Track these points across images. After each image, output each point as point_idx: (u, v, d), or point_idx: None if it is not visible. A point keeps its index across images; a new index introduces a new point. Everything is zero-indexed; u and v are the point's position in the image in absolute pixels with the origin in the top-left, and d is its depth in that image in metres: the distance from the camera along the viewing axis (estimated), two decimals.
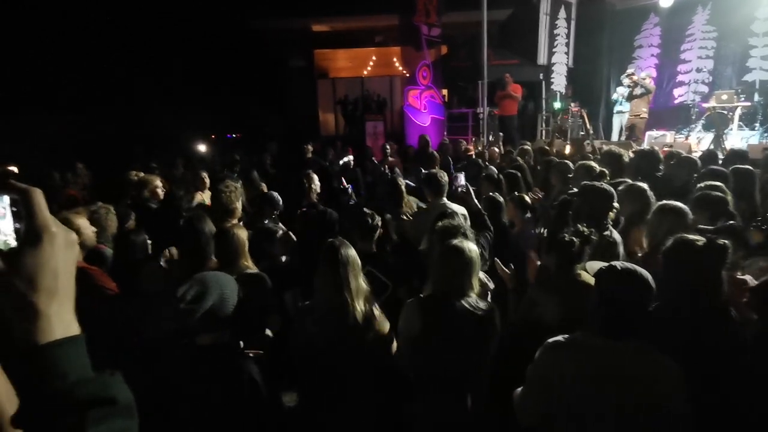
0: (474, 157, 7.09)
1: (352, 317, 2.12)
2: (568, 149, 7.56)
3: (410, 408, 2.20)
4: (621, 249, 2.77)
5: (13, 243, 0.61)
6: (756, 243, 2.65)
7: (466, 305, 2.08)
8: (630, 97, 9.71)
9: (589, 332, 1.69)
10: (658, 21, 11.70)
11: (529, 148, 6.82)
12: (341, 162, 7.09)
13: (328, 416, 2.21)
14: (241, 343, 1.84)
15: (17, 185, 0.62)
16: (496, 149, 7.79)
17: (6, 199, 0.61)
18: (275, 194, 3.88)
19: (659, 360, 1.60)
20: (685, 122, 10.48)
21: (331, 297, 2.14)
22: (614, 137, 10.36)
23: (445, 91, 12.74)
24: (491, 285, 2.48)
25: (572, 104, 10.93)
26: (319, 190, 4.25)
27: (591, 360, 1.63)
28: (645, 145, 7.66)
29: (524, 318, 2.41)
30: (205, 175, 4.62)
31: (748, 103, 9.07)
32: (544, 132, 11.68)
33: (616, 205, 2.89)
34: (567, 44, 12.36)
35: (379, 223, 2.91)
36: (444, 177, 3.65)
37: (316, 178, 4.24)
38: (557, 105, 11.28)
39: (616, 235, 2.80)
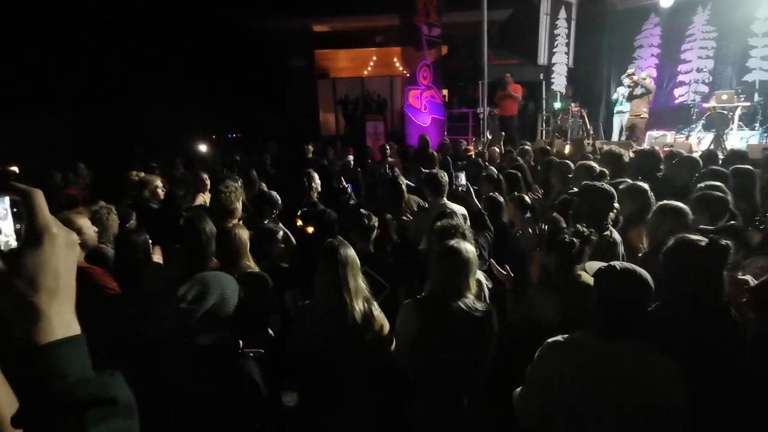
0: (474, 157, 7.09)
1: (351, 317, 2.12)
2: (568, 149, 7.55)
3: (409, 408, 2.21)
4: (621, 249, 2.77)
5: (14, 243, 0.61)
6: (756, 243, 2.65)
7: (463, 306, 2.09)
8: (630, 97, 9.71)
9: (588, 332, 1.69)
10: (659, 21, 11.70)
11: (530, 148, 6.82)
12: (341, 162, 7.09)
13: (327, 416, 2.21)
14: (241, 342, 1.84)
15: (18, 186, 0.63)
16: (497, 149, 7.79)
17: (6, 200, 0.61)
18: (274, 194, 3.88)
19: (659, 360, 1.60)
20: (685, 122, 10.49)
21: (331, 297, 2.14)
22: (614, 137, 10.36)
23: (445, 91, 12.75)
24: (489, 285, 2.48)
25: (572, 104, 10.93)
26: (319, 189, 4.25)
27: (591, 360, 1.63)
28: (645, 145, 7.66)
29: (524, 318, 2.41)
30: (205, 176, 4.61)
31: (748, 103, 9.07)
32: (544, 132, 11.68)
33: (616, 205, 2.89)
34: (567, 44, 12.36)
35: (376, 224, 2.92)
36: (444, 177, 3.65)
37: (316, 176, 4.24)
38: (557, 105, 11.28)
39: (617, 236, 2.80)
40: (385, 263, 2.85)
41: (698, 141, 9.05)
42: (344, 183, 5.29)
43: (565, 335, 1.72)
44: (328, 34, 15.20)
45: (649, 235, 2.68)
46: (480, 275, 2.57)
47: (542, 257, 2.56)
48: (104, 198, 4.07)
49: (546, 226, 2.78)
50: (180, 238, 2.81)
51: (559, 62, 12.36)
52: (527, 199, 3.86)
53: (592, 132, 10.25)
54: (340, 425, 2.21)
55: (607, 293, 1.67)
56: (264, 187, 4.84)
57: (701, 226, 2.54)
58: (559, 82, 12.33)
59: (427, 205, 3.76)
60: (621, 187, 3.11)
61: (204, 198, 4.53)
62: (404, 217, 3.67)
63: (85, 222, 2.79)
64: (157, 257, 2.85)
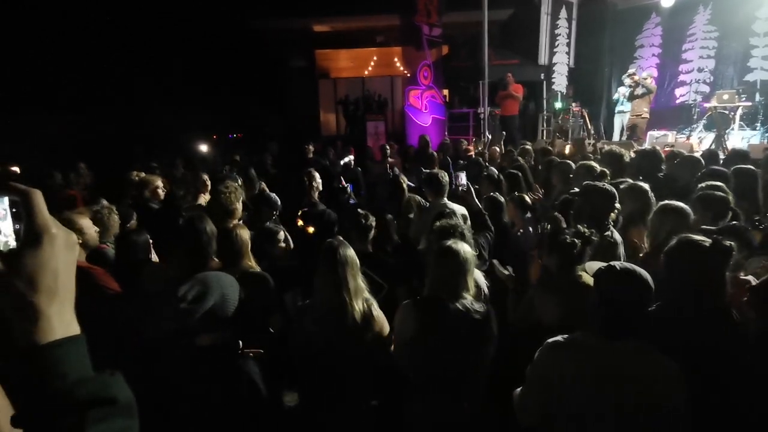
0: (474, 156, 7.09)
1: (351, 317, 2.12)
2: (568, 149, 7.55)
3: (409, 408, 2.21)
4: (622, 249, 2.77)
5: (13, 244, 0.61)
6: (757, 243, 2.64)
7: (461, 306, 2.08)
8: (631, 97, 9.70)
9: (588, 332, 1.69)
10: (660, 21, 11.70)
11: (530, 147, 6.82)
12: (342, 162, 7.09)
13: (327, 416, 2.21)
14: (241, 343, 1.84)
15: (17, 186, 0.63)
16: (497, 149, 7.79)
17: (6, 200, 0.61)
18: (273, 196, 3.89)
19: (659, 360, 1.60)
20: (686, 122, 10.48)
21: (331, 297, 2.14)
22: (615, 137, 10.36)
23: (446, 91, 12.75)
24: (487, 285, 2.47)
25: (573, 104, 10.92)
26: (321, 188, 4.25)
27: (591, 360, 1.63)
28: (646, 145, 7.66)
29: (524, 318, 2.41)
30: (206, 177, 4.62)
31: (749, 103, 9.06)
32: (545, 132, 11.68)
33: (617, 205, 2.88)
34: (568, 44, 12.36)
35: (374, 223, 2.92)
36: (445, 177, 3.65)
37: (317, 176, 4.25)
38: (558, 105, 11.28)
39: (617, 236, 2.80)
40: (383, 263, 2.85)
41: (699, 141, 9.04)
42: (344, 183, 5.29)
43: (565, 335, 1.72)
44: (329, 34, 15.20)
45: (650, 235, 2.68)
46: (479, 275, 2.57)
47: (543, 258, 2.56)
48: (104, 198, 4.07)
49: (548, 226, 2.78)
50: (180, 238, 2.81)
51: (560, 62, 12.36)
52: (528, 199, 3.86)
53: (593, 132, 10.24)
54: (340, 425, 2.21)
55: (607, 293, 1.67)
56: (264, 186, 4.84)
57: (703, 227, 2.53)
58: (560, 82, 12.33)
59: (428, 205, 3.76)
60: (621, 187, 3.10)
61: (205, 198, 4.53)
62: (410, 216, 3.67)
63: (86, 222, 2.79)
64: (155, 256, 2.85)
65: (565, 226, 2.76)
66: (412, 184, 4.92)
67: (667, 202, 2.68)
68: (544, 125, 11.82)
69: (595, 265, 1.91)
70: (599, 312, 1.68)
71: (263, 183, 4.98)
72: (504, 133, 10.33)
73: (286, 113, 14.55)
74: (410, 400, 2.20)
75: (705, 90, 10.78)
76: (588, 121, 10.34)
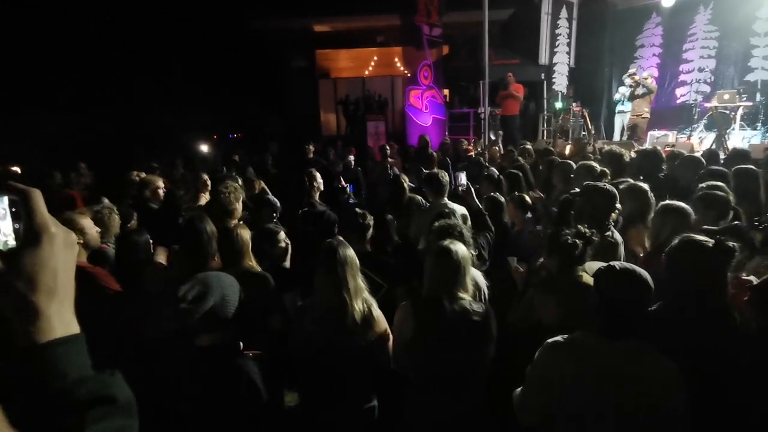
0: (474, 156, 7.09)
1: (351, 317, 2.12)
2: (569, 149, 7.55)
3: (409, 408, 2.20)
4: (622, 250, 2.76)
5: (13, 243, 0.61)
6: (759, 243, 2.64)
7: (458, 307, 2.08)
8: (632, 97, 9.70)
9: (588, 332, 1.69)
10: (660, 20, 11.69)
11: (530, 147, 6.82)
12: (342, 162, 7.10)
13: (327, 416, 2.21)
14: (241, 343, 1.84)
15: (16, 186, 0.63)
16: (497, 149, 7.79)
17: (5, 199, 0.61)
18: (272, 198, 3.89)
19: (658, 360, 1.60)
20: (687, 122, 10.48)
21: (330, 297, 2.14)
22: (616, 137, 10.36)
23: (446, 91, 12.76)
24: (487, 285, 2.47)
25: (574, 104, 10.92)
26: (322, 188, 4.25)
27: (590, 360, 1.63)
28: (647, 145, 7.65)
29: (524, 318, 2.41)
30: (206, 177, 4.62)
31: (750, 103, 9.06)
32: (545, 132, 11.67)
33: (618, 205, 2.88)
34: (568, 44, 12.36)
35: (371, 223, 2.92)
36: (445, 177, 3.65)
37: (318, 175, 4.25)
38: (559, 105, 11.27)
39: (618, 236, 2.80)
40: (382, 263, 2.85)
41: (700, 141, 9.04)
42: (343, 183, 5.30)
43: (565, 335, 1.72)
44: (329, 34, 15.21)
45: (651, 235, 2.68)
46: (479, 275, 2.57)
47: (544, 258, 2.56)
48: (105, 198, 4.07)
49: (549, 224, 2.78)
50: (180, 238, 2.81)
51: (561, 62, 12.35)
52: (528, 199, 3.86)
53: (593, 132, 10.24)
54: (340, 425, 2.21)
55: (607, 293, 1.67)
56: (263, 185, 4.84)
57: (705, 227, 2.53)
58: (561, 81, 12.33)
59: (428, 205, 3.76)
60: (621, 187, 3.10)
61: (205, 198, 4.53)
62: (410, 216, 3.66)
63: (87, 222, 2.78)
64: (161, 258, 2.84)
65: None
66: (412, 185, 4.92)
67: (668, 202, 2.68)
68: (545, 125, 11.82)
69: (595, 266, 1.91)
70: (599, 312, 1.68)
71: (262, 183, 4.98)
72: (501, 132, 10.32)
73: (287, 113, 14.56)
74: (410, 400, 2.20)
75: (705, 90, 10.78)
76: (588, 121, 10.34)
